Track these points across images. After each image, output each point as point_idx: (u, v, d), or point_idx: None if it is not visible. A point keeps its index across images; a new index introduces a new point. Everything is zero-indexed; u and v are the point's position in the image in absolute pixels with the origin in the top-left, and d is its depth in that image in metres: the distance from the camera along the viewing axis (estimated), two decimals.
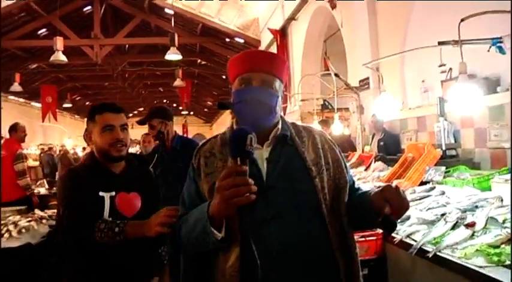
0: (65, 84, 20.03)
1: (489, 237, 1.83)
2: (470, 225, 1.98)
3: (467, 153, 4.20)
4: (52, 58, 11.04)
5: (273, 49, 11.28)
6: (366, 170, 4.44)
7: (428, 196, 2.94)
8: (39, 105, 15.85)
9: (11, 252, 3.05)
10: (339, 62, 7.70)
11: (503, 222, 2.06)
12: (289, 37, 10.64)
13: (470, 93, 2.47)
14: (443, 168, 3.35)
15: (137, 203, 2.08)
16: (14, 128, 6.06)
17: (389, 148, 5.31)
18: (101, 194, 2.00)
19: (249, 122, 1.45)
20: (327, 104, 9.12)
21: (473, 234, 1.94)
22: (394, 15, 5.59)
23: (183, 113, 30.70)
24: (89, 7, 14.18)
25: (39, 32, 14.26)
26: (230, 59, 1.59)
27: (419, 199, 2.90)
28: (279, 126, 1.54)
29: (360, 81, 6.36)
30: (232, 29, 13.00)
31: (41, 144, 15.98)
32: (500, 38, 2.44)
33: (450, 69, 4.30)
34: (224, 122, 30.46)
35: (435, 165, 3.61)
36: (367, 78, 6.19)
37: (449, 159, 3.93)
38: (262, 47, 13.03)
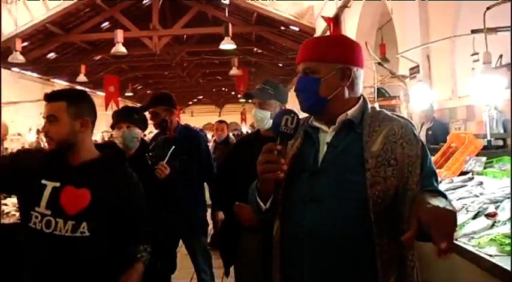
0: (127, 74, 20.93)
1: (507, 228, 1.84)
2: (491, 215, 1.98)
3: None
4: (113, 50, 11.63)
5: None
6: None
7: (463, 186, 2.91)
8: (103, 94, 16.67)
9: None
10: (395, 48, 7.56)
11: None
12: (343, 25, 10.50)
13: (493, 84, 2.42)
14: (484, 158, 3.28)
15: (83, 201, 1.86)
16: None
17: (438, 137, 5.20)
18: (43, 181, 1.86)
19: (302, 110, 1.56)
20: (383, 91, 9.00)
21: (493, 224, 1.95)
22: (445, 2, 5.43)
23: (241, 100, 31.12)
24: (148, 0, 14.70)
25: (102, 25, 14.99)
26: None
27: (454, 189, 2.88)
28: (350, 111, 1.51)
29: (410, 69, 6.25)
30: (287, 18, 13.02)
31: (105, 131, 16.81)
32: None
33: (501, 56, 4.16)
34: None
35: (478, 155, 3.54)
36: (417, 66, 6.06)
37: (495, 150, 3.83)
38: (317, 35, 12.98)
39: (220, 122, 6.15)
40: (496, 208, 2.10)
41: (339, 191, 1.40)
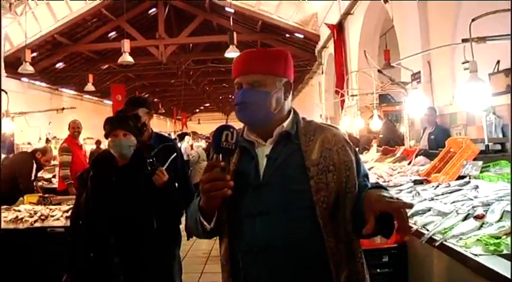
0: (134, 82, 21.18)
1: (493, 229, 1.91)
2: (479, 217, 2.05)
3: None
4: (120, 60, 11.84)
5: (331, 44, 11.31)
6: (409, 164, 4.47)
7: (459, 190, 2.98)
8: (110, 102, 16.87)
9: None
10: (399, 54, 7.64)
11: None
12: (346, 32, 10.60)
13: (478, 92, 2.50)
14: (480, 163, 3.34)
15: None
16: (69, 126, 6.56)
17: (440, 142, 5.26)
18: None
19: (245, 123, 1.54)
20: (389, 97, 9.06)
21: (481, 226, 2.02)
22: (444, 9, 5.51)
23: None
24: (154, 9, 14.96)
25: (109, 35, 15.22)
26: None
27: (450, 193, 2.94)
28: (285, 123, 1.54)
29: (412, 75, 6.32)
30: (291, 25, 13.18)
31: None
32: None
33: (498, 61, 4.23)
34: None
35: (476, 159, 3.60)
36: (419, 72, 6.13)
37: (493, 154, 3.89)
38: (320, 43, 13.08)
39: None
40: (486, 210, 2.17)
41: (285, 201, 1.42)
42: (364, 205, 1.31)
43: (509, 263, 1.59)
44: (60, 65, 15.90)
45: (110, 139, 2.73)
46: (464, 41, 2.92)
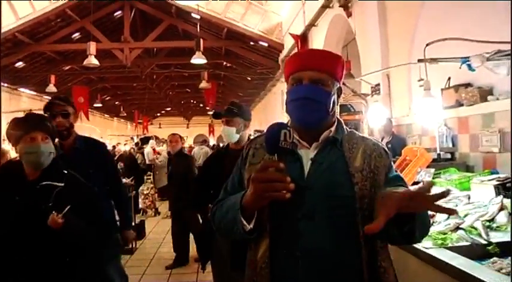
0: (96, 84, 20.89)
1: (441, 226, 2.21)
2: (430, 216, 2.34)
3: (464, 156, 4.49)
4: (85, 62, 11.75)
5: None
6: None
7: None
8: None
9: None
10: (359, 65, 8.01)
11: (465, 216, 2.42)
12: (310, 42, 10.96)
13: (430, 107, 2.82)
14: (432, 170, 3.68)
15: None
16: None
17: (396, 150, 5.60)
18: None
19: (299, 120, 1.47)
20: (349, 107, 9.44)
21: (432, 224, 2.31)
22: (403, 20, 5.89)
23: (209, 113, 31.35)
24: (120, 12, 14.88)
25: (73, 36, 15.04)
26: (286, 59, 1.62)
27: None
28: (333, 128, 1.52)
29: (372, 87, 6.69)
30: (256, 33, 13.46)
31: None
32: (468, 58, 2.78)
33: (449, 78, 4.61)
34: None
35: (428, 167, 3.95)
36: (379, 85, 6.51)
37: (444, 162, 4.26)
38: (284, 52, 13.43)
39: (174, 134, 6.44)
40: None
41: (330, 206, 1.39)
42: (376, 203, 1.28)
43: (452, 253, 1.87)
44: (20, 64, 15.53)
45: (21, 145, 2.15)
46: (419, 61, 3.25)
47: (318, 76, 1.45)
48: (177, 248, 5.97)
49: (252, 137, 1.88)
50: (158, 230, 8.23)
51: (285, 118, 9.05)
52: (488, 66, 2.85)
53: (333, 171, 1.43)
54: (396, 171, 1.56)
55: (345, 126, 1.57)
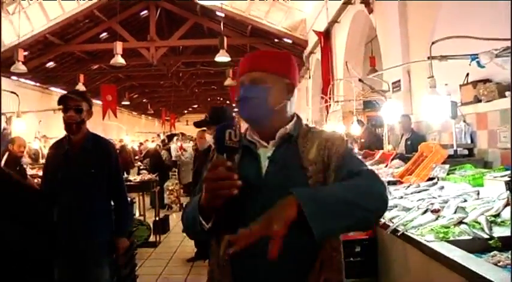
0: (124, 83, 21.37)
1: (445, 220, 2.25)
2: (435, 211, 2.39)
3: (482, 152, 4.48)
4: (112, 61, 12.07)
5: (319, 50, 11.66)
6: (385, 166, 4.82)
7: (427, 190, 3.33)
8: (99, 102, 17.05)
9: None
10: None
11: (471, 210, 2.46)
12: (333, 39, 10.95)
13: (436, 106, 2.85)
14: (447, 166, 3.70)
15: None
16: None
17: (415, 147, 5.61)
18: None
19: (246, 119, 1.55)
20: (374, 103, 9.41)
21: (437, 218, 2.36)
22: (423, 19, 5.87)
23: (235, 110, 31.53)
24: (145, 11, 15.18)
25: (101, 36, 15.43)
26: None
27: (418, 192, 3.29)
28: (288, 126, 1.55)
29: (393, 83, 6.68)
30: (280, 30, 13.50)
31: None
32: (477, 55, 2.80)
33: (467, 74, 4.60)
34: None
35: (445, 163, 3.96)
36: (399, 81, 6.50)
37: (461, 158, 4.25)
38: (308, 48, 13.44)
39: (203, 131, 5.99)
40: (443, 206, 2.51)
41: None
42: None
43: (451, 246, 1.93)
44: (51, 64, 16.04)
45: None
46: (429, 58, 3.27)
47: (255, 76, 1.52)
48: (199, 242, 6.10)
49: None
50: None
51: (310, 112, 9.21)
52: (497, 62, 2.86)
53: (288, 168, 1.47)
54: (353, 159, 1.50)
55: (303, 123, 1.61)
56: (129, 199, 4.67)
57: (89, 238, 2.88)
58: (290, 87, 1.56)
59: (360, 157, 1.56)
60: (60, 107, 2.91)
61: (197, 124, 3.47)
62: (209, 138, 3.13)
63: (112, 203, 3.16)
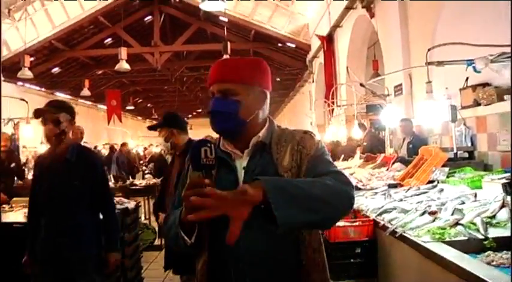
0: (128, 88, 21.53)
1: (441, 222, 2.32)
2: (433, 213, 2.46)
3: (482, 155, 4.53)
4: (117, 67, 12.22)
5: (322, 54, 11.74)
6: (387, 170, 4.89)
7: (426, 192, 3.38)
8: (103, 107, 17.20)
9: None
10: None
11: (468, 212, 2.52)
12: (335, 43, 11.03)
13: (433, 110, 2.92)
14: (446, 169, 3.76)
15: None
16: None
17: (417, 150, 5.65)
18: None
19: (218, 133, 1.54)
20: (378, 106, 9.48)
21: (434, 220, 2.42)
22: (424, 22, 5.93)
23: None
24: (149, 17, 15.33)
25: (105, 41, 15.60)
26: None
27: (418, 195, 3.35)
28: (261, 133, 1.53)
29: (395, 87, 6.75)
30: (283, 35, 13.61)
31: (106, 144, 17.36)
32: (473, 60, 2.87)
33: (467, 78, 4.66)
34: (279, 123, 31.09)
35: (445, 166, 4.02)
36: (401, 85, 6.56)
37: (461, 161, 4.32)
38: (311, 53, 13.53)
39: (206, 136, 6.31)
40: (441, 209, 2.58)
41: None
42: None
43: (449, 247, 2.00)
44: (56, 70, 16.21)
45: None
46: (427, 63, 3.35)
47: (224, 87, 1.47)
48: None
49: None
50: None
51: (314, 117, 9.29)
52: (493, 67, 2.93)
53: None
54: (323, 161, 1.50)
55: (275, 126, 1.58)
56: (130, 205, 4.79)
57: (74, 250, 2.84)
58: (262, 96, 1.54)
59: (330, 158, 1.53)
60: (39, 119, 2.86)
61: (151, 127, 3.70)
62: (161, 140, 3.42)
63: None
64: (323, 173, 1.42)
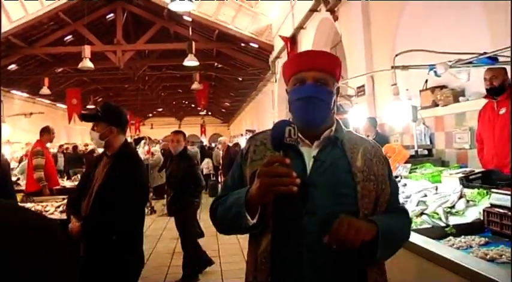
0: (88, 86, 21.14)
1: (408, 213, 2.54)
2: None
3: (440, 152, 4.86)
4: (80, 65, 12.01)
5: (285, 54, 11.97)
6: None
7: None
8: (63, 106, 16.84)
9: None
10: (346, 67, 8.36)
11: (431, 203, 2.76)
12: (299, 44, 11.27)
13: (399, 111, 3.17)
14: (409, 165, 4.02)
15: None
16: (46, 130, 6.66)
17: None
18: None
19: (304, 119, 1.48)
20: (338, 106, 9.76)
21: None
22: (385, 25, 6.24)
23: (201, 113, 31.63)
24: (112, 15, 15.12)
25: (66, 38, 15.27)
26: (284, 61, 1.62)
27: None
28: (333, 128, 1.54)
29: (357, 88, 7.05)
30: (246, 35, 13.72)
31: (65, 143, 16.98)
32: (434, 65, 3.14)
33: (426, 80, 4.97)
34: (241, 122, 31.41)
35: (407, 163, 4.29)
36: (363, 86, 6.86)
37: (421, 158, 4.61)
38: (274, 53, 13.75)
39: (177, 132, 5.68)
40: (406, 201, 2.81)
41: (333, 203, 1.40)
42: None
43: (416, 233, 2.21)
44: (13, 66, 15.73)
45: None
46: (393, 67, 3.59)
47: (320, 76, 1.48)
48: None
49: (247, 137, 1.95)
50: (155, 226, 8.58)
51: (276, 116, 9.43)
52: (451, 72, 3.20)
53: (335, 170, 1.46)
54: (394, 179, 1.65)
55: (343, 126, 1.60)
56: None
57: None
58: (338, 91, 1.60)
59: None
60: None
61: (86, 118, 3.01)
62: (94, 135, 2.82)
63: None
64: (398, 202, 1.64)
